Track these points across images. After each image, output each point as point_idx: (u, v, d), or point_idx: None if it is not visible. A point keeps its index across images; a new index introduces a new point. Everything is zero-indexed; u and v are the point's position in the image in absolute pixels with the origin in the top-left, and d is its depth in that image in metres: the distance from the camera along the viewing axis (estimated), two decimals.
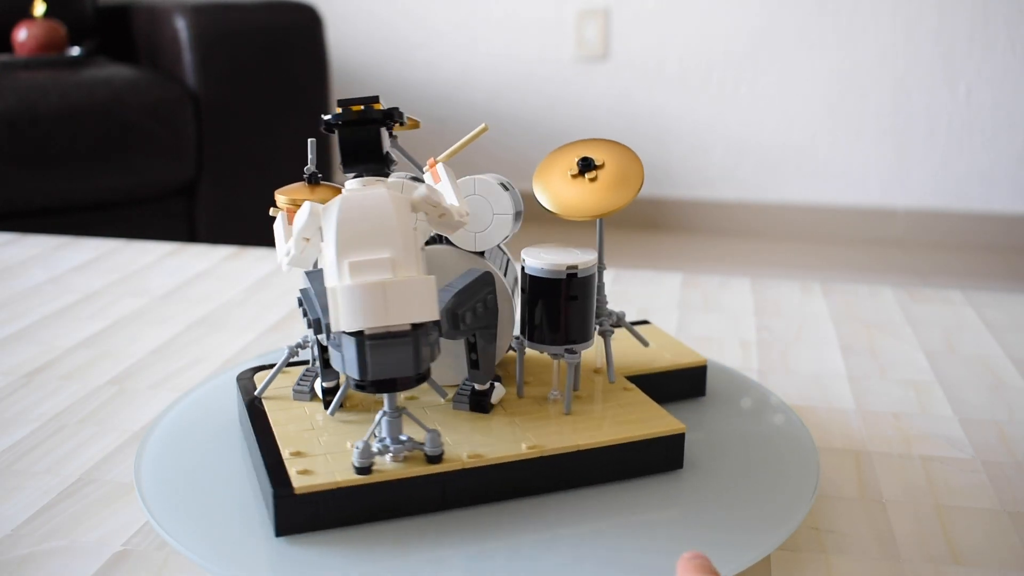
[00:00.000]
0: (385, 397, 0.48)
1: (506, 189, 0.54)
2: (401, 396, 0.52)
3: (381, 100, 0.49)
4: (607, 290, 0.61)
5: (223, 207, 1.79)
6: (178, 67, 1.75)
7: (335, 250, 0.44)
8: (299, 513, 0.47)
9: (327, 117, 0.49)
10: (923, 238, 2.37)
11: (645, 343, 0.61)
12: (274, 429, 0.52)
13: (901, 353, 0.76)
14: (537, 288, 0.53)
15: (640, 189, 0.52)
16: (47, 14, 1.89)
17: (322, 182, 0.55)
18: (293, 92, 1.83)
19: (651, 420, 0.53)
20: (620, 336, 0.63)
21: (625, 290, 0.89)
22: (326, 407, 0.54)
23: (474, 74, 2.47)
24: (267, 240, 1.99)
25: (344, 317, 0.43)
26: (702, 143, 2.42)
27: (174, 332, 0.78)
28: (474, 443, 0.51)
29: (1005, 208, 2.33)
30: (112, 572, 0.47)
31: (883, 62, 2.29)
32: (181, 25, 1.72)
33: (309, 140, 0.57)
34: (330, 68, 1.92)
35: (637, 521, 0.49)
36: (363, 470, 0.47)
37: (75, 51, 1.86)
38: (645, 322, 0.68)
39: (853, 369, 0.73)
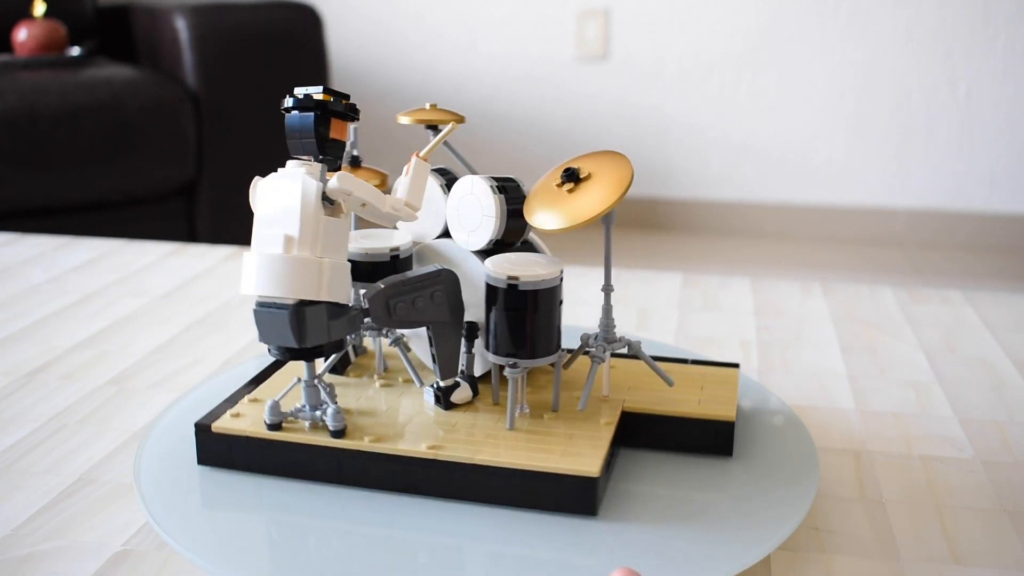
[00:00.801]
0: (304, 365, 0.52)
1: (502, 191, 0.54)
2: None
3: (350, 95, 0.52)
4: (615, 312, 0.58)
5: (223, 207, 1.79)
6: (178, 67, 1.75)
7: (254, 223, 0.49)
8: (213, 449, 0.53)
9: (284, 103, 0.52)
10: (923, 238, 2.37)
11: (668, 381, 0.57)
12: (268, 377, 0.59)
13: (901, 353, 0.76)
14: (488, 295, 0.52)
15: (613, 203, 0.49)
16: (47, 14, 1.88)
17: (363, 165, 0.60)
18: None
19: (573, 456, 0.49)
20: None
21: (625, 290, 0.89)
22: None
23: (474, 74, 2.47)
24: None
25: (242, 281, 0.48)
26: (702, 143, 2.42)
27: (174, 332, 0.78)
28: (391, 431, 0.52)
29: (1005, 208, 2.33)
30: (112, 572, 0.47)
31: (883, 62, 2.29)
32: (181, 25, 1.72)
33: (351, 126, 0.58)
34: (330, 68, 1.92)
35: (632, 518, 0.49)
36: (273, 427, 0.52)
37: (75, 51, 1.86)
38: (734, 365, 0.60)
39: (853, 369, 0.73)
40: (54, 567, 0.48)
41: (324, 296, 0.48)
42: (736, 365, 0.60)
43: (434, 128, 0.57)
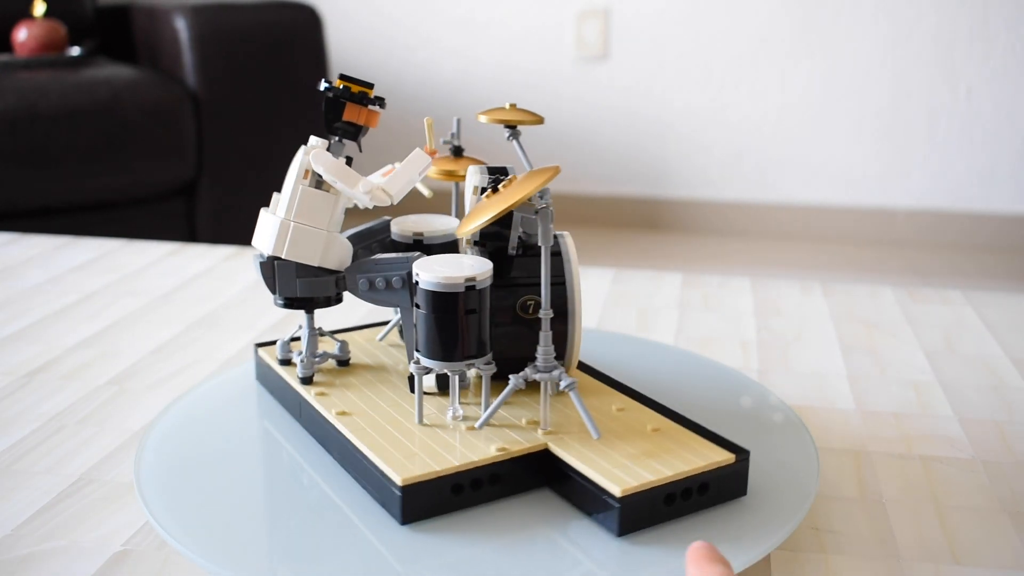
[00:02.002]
0: (303, 315, 0.58)
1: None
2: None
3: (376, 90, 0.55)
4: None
5: (223, 207, 1.79)
6: (178, 67, 1.75)
7: None
8: (260, 370, 0.63)
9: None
10: (923, 238, 2.37)
11: (594, 434, 0.50)
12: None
13: (901, 353, 0.76)
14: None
15: (510, 204, 0.47)
16: (47, 14, 1.88)
17: (464, 155, 0.62)
18: (293, 92, 1.83)
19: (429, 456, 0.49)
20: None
21: (625, 290, 0.89)
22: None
23: (474, 74, 2.47)
24: None
25: None
26: (702, 143, 2.42)
27: (174, 332, 0.78)
28: (364, 398, 0.56)
29: (1005, 208, 2.33)
30: (112, 572, 0.47)
31: (883, 62, 2.29)
32: (181, 25, 1.72)
33: (455, 118, 0.62)
34: (330, 68, 1.92)
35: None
36: (282, 361, 0.60)
37: (75, 51, 1.86)
38: (742, 455, 0.50)
39: (853, 369, 0.73)
40: (54, 567, 0.48)
41: (285, 254, 0.54)
42: (745, 456, 0.50)
43: (512, 128, 0.57)
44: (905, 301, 0.88)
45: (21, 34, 1.82)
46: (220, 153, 1.77)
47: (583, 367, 0.60)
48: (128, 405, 0.66)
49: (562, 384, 0.50)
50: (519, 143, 0.58)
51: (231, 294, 0.87)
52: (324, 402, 0.55)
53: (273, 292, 0.56)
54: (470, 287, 0.50)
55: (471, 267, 0.51)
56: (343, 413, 0.54)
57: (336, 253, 0.55)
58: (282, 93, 1.82)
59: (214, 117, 1.75)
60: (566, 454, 0.49)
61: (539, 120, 0.57)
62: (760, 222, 2.43)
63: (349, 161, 0.55)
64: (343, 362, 0.60)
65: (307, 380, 0.58)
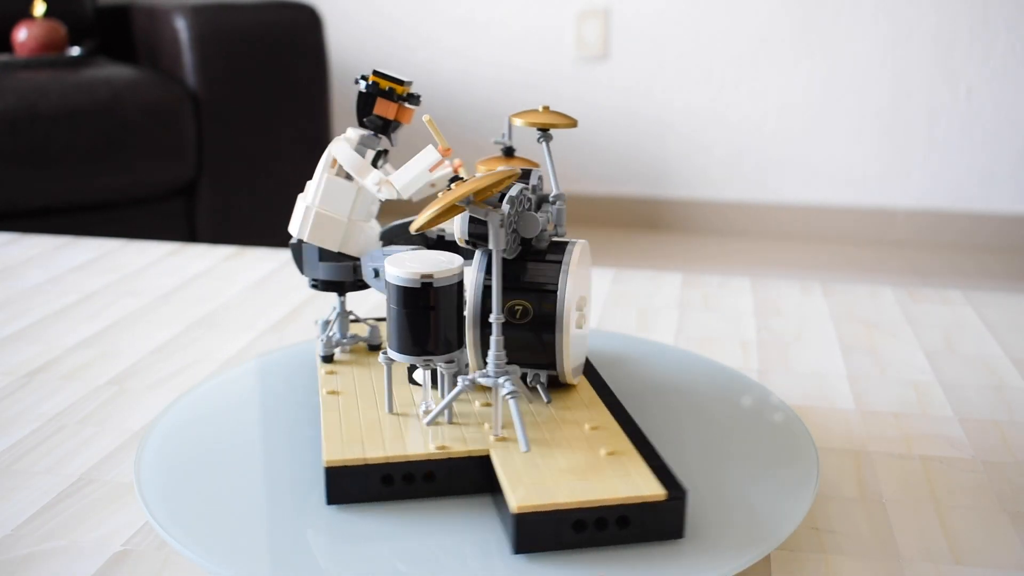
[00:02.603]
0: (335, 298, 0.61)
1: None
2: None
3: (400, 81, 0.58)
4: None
5: (223, 207, 1.79)
6: (178, 67, 1.75)
7: None
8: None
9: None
10: (923, 238, 2.37)
11: (524, 446, 0.48)
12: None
13: (901, 353, 0.76)
14: None
15: (448, 202, 0.46)
16: (47, 14, 1.88)
17: (515, 155, 0.62)
18: (293, 92, 1.83)
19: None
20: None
21: (625, 290, 0.89)
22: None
23: (474, 74, 2.47)
24: (267, 240, 1.98)
25: None
26: (702, 143, 2.42)
27: (174, 332, 0.79)
28: (363, 382, 0.57)
29: (1005, 208, 2.33)
30: (112, 572, 0.47)
31: (883, 62, 2.29)
32: (181, 25, 1.72)
33: (509, 116, 0.60)
34: (330, 68, 1.92)
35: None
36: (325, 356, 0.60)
37: (75, 51, 1.86)
38: None
39: (853, 369, 0.73)
40: (54, 567, 0.48)
41: (307, 238, 0.57)
42: (679, 495, 0.46)
43: (544, 131, 0.56)
44: (905, 301, 0.88)
45: (21, 34, 1.82)
46: (220, 153, 1.77)
47: (590, 374, 0.59)
48: (128, 405, 0.66)
49: (503, 391, 0.49)
50: (548, 147, 0.57)
51: (231, 294, 0.87)
52: (326, 380, 0.57)
53: (301, 273, 0.59)
54: (427, 284, 0.50)
55: (437, 264, 0.51)
56: (332, 392, 0.55)
57: (359, 240, 0.58)
58: (282, 93, 1.82)
59: (214, 117, 1.75)
60: (497, 462, 0.48)
61: (572, 123, 0.56)
62: (760, 222, 2.43)
63: (381, 155, 0.57)
64: (374, 347, 0.62)
65: (327, 359, 0.60)
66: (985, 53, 2.25)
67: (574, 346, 0.55)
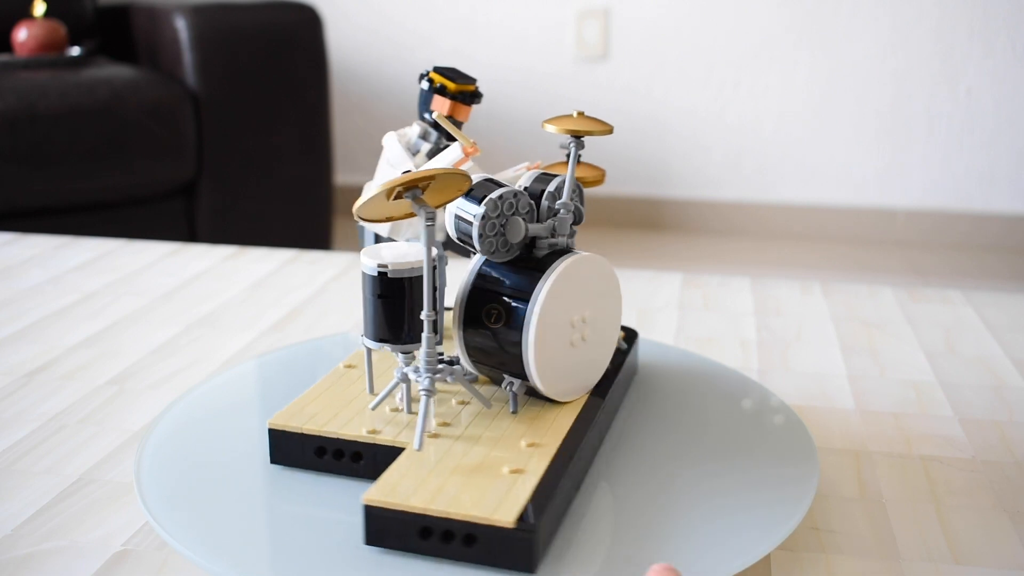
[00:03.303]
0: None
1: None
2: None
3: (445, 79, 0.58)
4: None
5: (223, 207, 1.79)
6: (178, 67, 1.75)
7: None
8: None
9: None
10: (923, 238, 2.37)
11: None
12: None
13: (901, 353, 0.76)
14: None
15: (374, 193, 0.47)
16: (47, 14, 1.88)
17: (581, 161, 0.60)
18: (293, 92, 1.83)
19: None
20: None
21: (625, 290, 0.89)
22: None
23: (474, 74, 2.47)
24: (267, 240, 1.98)
25: None
26: (702, 143, 2.42)
27: (174, 332, 0.79)
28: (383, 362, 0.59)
29: (1005, 208, 2.33)
30: (112, 572, 0.47)
31: (883, 62, 2.29)
32: (181, 25, 1.72)
33: (543, 122, 0.60)
34: (330, 68, 1.92)
35: (632, 517, 0.49)
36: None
37: (75, 51, 1.86)
38: None
39: (853, 369, 0.73)
40: (54, 567, 0.48)
41: (361, 222, 0.55)
42: (528, 529, 0.44)
43: (578, 138, 0.54)
44: (905, 301, 0.88)
45: (21, 34, 1.82)
46: (220, 153, 1.77)
47: (604, 394, 0.57)
48: (128, 405, 0.66)
49: (419, 388, 0.50)
50: (576, 154, 0.54)
51: (231, 294, 0.87)
52: (352, 356, 0.60)
53: None
54: (382, 273, 0.51)
55: (399, 256, 0.52)
56: (349, 366, 0.58)
57: (406, 230, 0.59)
58: (282, 93, 1.82)
59: (214, 117, 1.75)
60: (403, 454, 0.49)
61: (608, 130, 0.54)
62: (760, 222, 2.43)
63: (441, 148, 0.59)
64: None
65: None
66: (985, 53, 2.25)
67: (556, 361, 0.53)
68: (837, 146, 2.36)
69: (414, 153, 0.60)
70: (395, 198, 0.48)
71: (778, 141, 2.38)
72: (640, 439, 0.56)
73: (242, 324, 0.80)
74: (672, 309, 0.85)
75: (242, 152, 1.79)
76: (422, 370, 0.51)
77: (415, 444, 0.49)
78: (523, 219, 0.52)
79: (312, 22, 1.83)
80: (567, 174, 0.54)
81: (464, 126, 0.61)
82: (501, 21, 2.43)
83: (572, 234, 0.56)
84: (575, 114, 0.55)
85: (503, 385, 0.54)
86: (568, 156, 0.54)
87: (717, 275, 0.94)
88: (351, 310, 0.83)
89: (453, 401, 0.55)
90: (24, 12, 1.88)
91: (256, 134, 1.80)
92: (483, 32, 2.45)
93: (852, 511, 0.54)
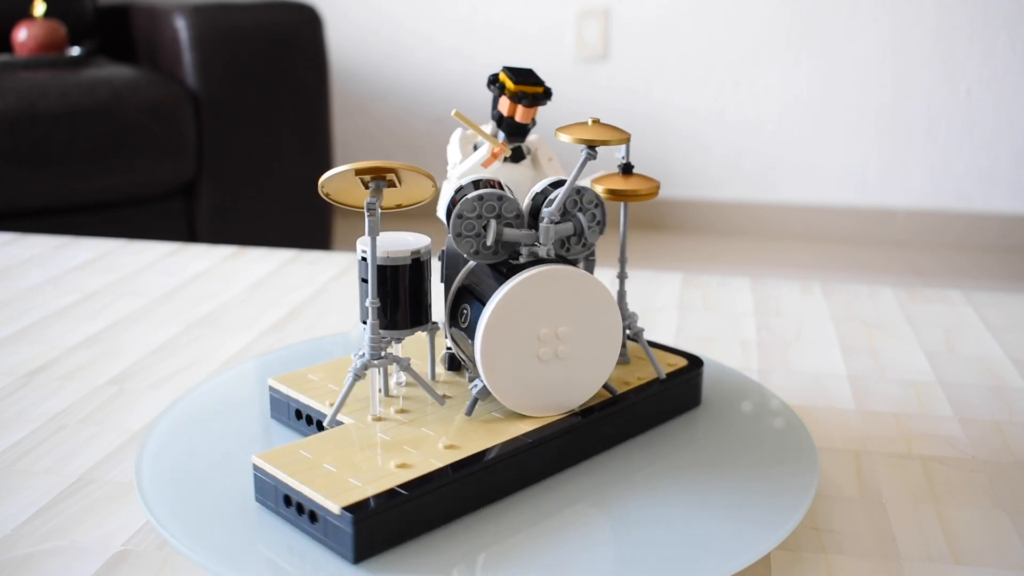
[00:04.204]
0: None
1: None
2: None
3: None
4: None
5: (223, 207, 1.79)
6: (178, 67, 1.75)
7: None
8: None
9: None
10: (923, 238, 2.37)
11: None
12: None
13: (901, 353, 0.76)
14: None
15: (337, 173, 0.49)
16: (47, 14, 1.88)
17: (634, 172, 0.58)
18: (293, 92, 1.83)
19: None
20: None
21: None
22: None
23: (474, 75, 2.47)
24: (267, 240, 1.98)
25: None
26: (702, 143, 2.42)
27: (174, 332, 0.78)
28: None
29: (1005, 208, 2.33)
30: (112, 572, 0.47)
31: (883, 62, 2.29)
32: (181, 25, 1.72)
33: (556, 130, 0.56)
34: (330, 68, 1.92)
35: (632, 517, 0.49)
36: None
37: (75, 51, 1.86)
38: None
39: (853, 369, 0.73)
40: (54, 567, 0.48)
41: (440, 216, 0.56)
42: (351, 519, 0.45)
43: (592, 148, 0.52)
44: (905, 301, 0.88)
45: (21, 34, 1.82)
46: (220, 153, 1.77)
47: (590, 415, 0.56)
48: (128, 405, 0.66)
49: (349, 373, 0.52)
50: (584, 163, 0.52)
51: (231, 294, 0.87)
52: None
53: None
54: (363, 258, 0.53)
55: (389, 244, 0.54)
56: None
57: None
58: (282, 93, 1.82)
59: (214, 117, 1.75)
60: (333, 429, 0.52)
61: (625, 138, 0.52)
62: (760, 222, 2.43)
63: (518, 149, 0.58)
64: None
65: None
66: (985, 53, 2.25)
67: (519, 372, 0.51)
68: (837, 146, 2.36)
69: (476, 149, 0.60)
70: (366, 186, 0.50)
71: (778, 141, 2.38)
72: (640, 439, 0.56)
73: (242, 324, 0.80)
74: (672, 309, 0.85)
75: (242, 152, 1.79)
76: (368, 355, 0.52)
77: (327, 421, 0.53)
78: (497, 223, 0.52)
79: (312, 22, 1.83)
80: (567, 184, 0.53)
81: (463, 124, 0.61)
82: (501, 21, 2.43)
83: (585, 247, 0.55)
84: (590, 121, 0.53)
85: (470, 386, 0.54)
86: (579, 164, 0.53)
87: (717, 275, 0.94)
88: (351, 310, 0.83)
89: (441, 391, 0.56)
90: (24, 12, 1.88)
91: (256, 134, 1.80)
92: (483, 32, 2.45)
93: (852, 511, 0.54)
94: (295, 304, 0.85)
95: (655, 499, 0.51)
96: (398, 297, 0.53)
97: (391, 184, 0.50)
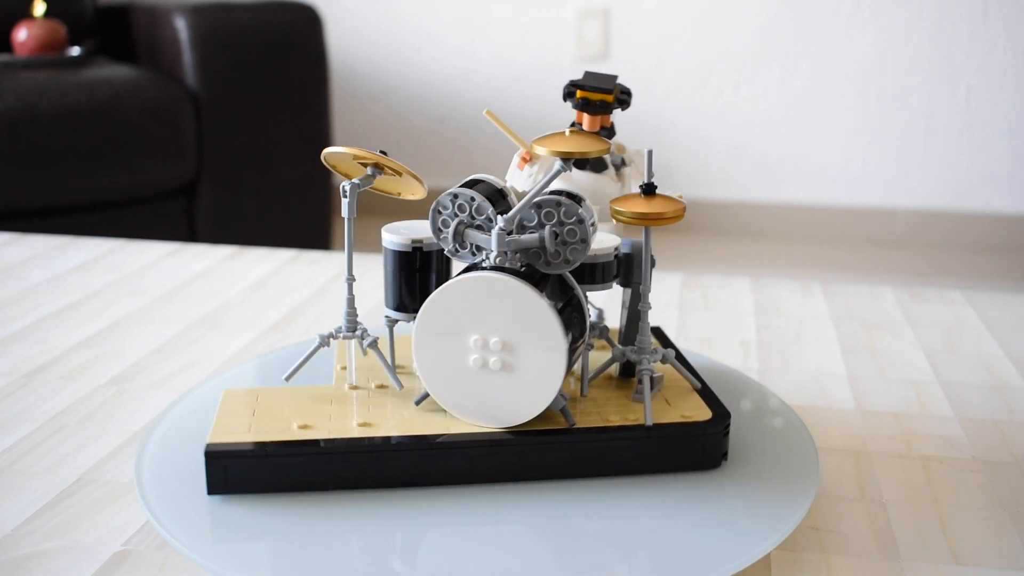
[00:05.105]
0: None
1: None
2: None
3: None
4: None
5: (223, 207, 1.79)
6: (178, 67, 1.75)
7: None
8: None
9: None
10: (923, 238, 2.37)
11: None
12: None
13: (901, 353, 0.76)
14: None
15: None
16: (47, 14, 1.88)
17: (657, 193, 0.54)
18: (293, 92, 1.83)
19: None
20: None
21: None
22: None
23: (474, 74, 2.47)
24: (267, 240, 1.98)
25: None
26: (702, 143, 2.42)
27: (174, 332, 0.79)
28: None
29: (1005, 208, 2.33)
30: (112, 572, 0.47)
31: (883, 62, 2.29)
32: (181, 25, 1.72)
33: (647, 151, 0.54)
34: (330, 68, 1.92)
35: (632, 517, 0.49)
36: None
37: (75, 51, 1.86)
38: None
39: (853, 369, 0.73)
40: (54, 567, 0.48)
41: None
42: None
43: (565, 160, 0.50)
44: (905, 301, 0.88)
45: (21, 34, 1.82)
46: (220, 153, 1.77)
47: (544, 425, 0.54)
48: (128, 405, 0.66)
49: (316, 338, 0.57)
50: (556, 172, 0.50)
51: (231, 294, 0.87)
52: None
53: None
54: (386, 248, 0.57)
55: (404, 230, 0.57)
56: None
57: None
58: (282, 93, 1.82)
59: (214, 117, 1.75)
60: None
61: (604, 148, 0.50)
62: (760, 222, 2.43)
63: (599, 159, 0.57)
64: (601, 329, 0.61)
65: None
66: (985, 53, 2.25)
67: (452, 375, 0.52)
68: (837, 146, 2.36)
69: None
70: (364, 164, 0.54)
71: (778, 141, 2.38)
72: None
73: (242, 324, 0.80)
74: (672, 309, 0.85)
75: (242, 152, 1.79)
76: (345, 328, 0.57)
77: (284, 376, 0.58)
78: (463, 224, 0.52)
79: (312, 22, 1.83)
80: (528, 195, 0.51)
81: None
82: (501, 20, 2.43)
83: (567, 263, 0.52)
84: (568, 132, 0.51)
85: None
86: (549, 175, 0.51)
87: (717, 275, 0.94)
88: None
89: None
90: (24, 12, 1.88)
91: (256, 134, 1.80)
92: (483, 32, 2.45)
93: (852, 511, 0.54)
94: (295, 304, 0.85)
95: (655, 499, 0.51)
96: (400, 281, 0.57)
97: (391, 173, 0.54)
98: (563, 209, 0.51)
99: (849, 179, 2.38)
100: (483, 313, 0.50)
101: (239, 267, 0.94)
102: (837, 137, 2.36)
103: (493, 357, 0.51)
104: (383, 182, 0.56)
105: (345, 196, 0.54)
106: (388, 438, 0.51)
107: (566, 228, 0.51)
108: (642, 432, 0.52)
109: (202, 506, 0.50)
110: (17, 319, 0.81)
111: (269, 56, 1.79)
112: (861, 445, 0.61)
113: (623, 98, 0.57)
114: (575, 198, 0.52)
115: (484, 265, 0.51)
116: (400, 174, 0.54)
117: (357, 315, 0.57)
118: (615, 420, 0.53)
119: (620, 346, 0.57)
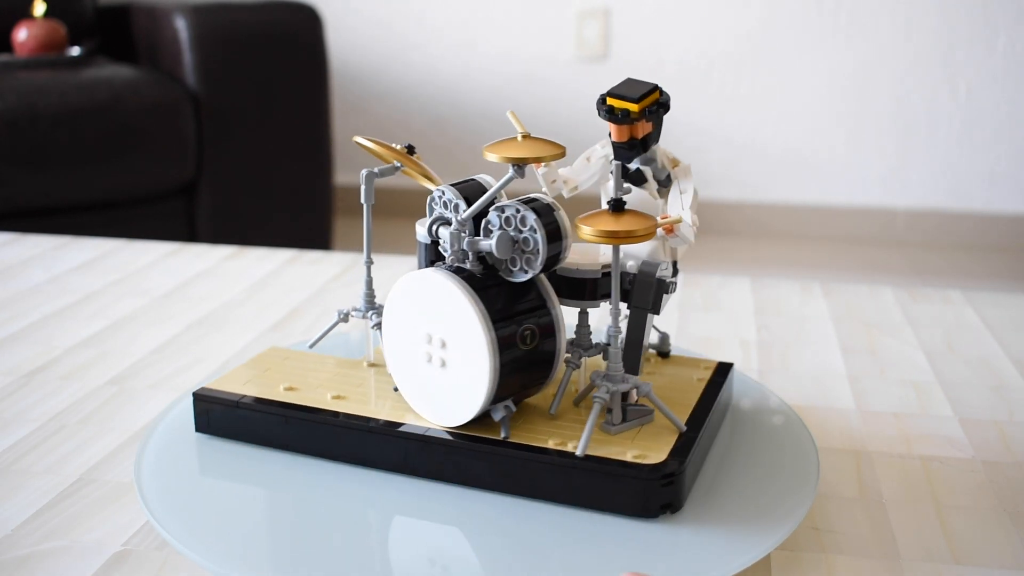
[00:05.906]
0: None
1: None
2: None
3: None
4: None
5: (223, 207, 1.79)
6: (178, 67, 1.75)
7: None
8: None
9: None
10: (923, 238, 2.37)
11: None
12: None
13: (901, 353, 0.76)
14: None
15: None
16: (47, 14, 1.88)
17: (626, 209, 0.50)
18: (293, 92, 1.83)
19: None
20: None
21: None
22: None
23: (474, 74, 2.47)
24: (267, 240, 1.98)
25: None
26: (702, 143, 2.42)
27: (174, 332, 0.79)
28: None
29: (1005, 208, 2.33)
30: (112, 572, 0.47)
31: (883, 62, 2.29)
32: (181, 25, 1.72)
33: (615, 163, 0.52)
34: (330, 68, 1.92)
35: (633, 520, 0.49)
36: None
37: (75, 51, 1.86)
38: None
39: (853, 369, 0.73)
40: (54, 567, 0.48)
41: None
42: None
43: (518, 167, 0.49)
44: (905, 301, 0.88)
45: (21, 34, 1.82)
46: (220, 153, 1.77)
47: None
48: (128, 405, 0.66)
49: (336, 313, 0.61)
50: (509, 178, 0.49)
51: (231, 294, 0.87)
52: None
53: None
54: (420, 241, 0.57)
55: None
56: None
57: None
58: (282, 93, 1.82)
59: (214, 117, 1.75)
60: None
61: (560, 153, 0.49)
62: (760, 222, 2.43)
63: (637, 171, 0.54)
64: (663, 353, 0.62)
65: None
66: (985, 53, 2.25)
67: (411, 367, 0.52)
68: (837, 146, 2.36)
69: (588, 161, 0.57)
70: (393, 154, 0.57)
71: (778, 141, 2.38)
72: None
73: (242, 324, 0.80)
74: (672, 309, 0.85)
75: (242, 152, 1.79)
76: (363, 308, 0.60)
77: (308, 345, 0.63)
78: (438, 220, 0.53)
79: (312, 22, 1.83)
80: (479, 201, 0.50)
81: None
82: (501, 21, 2.43)
83: (516, 266, 0.50)
84: (519, 137, 0.50)
85: None
86: (501, 182, 0.50)
87: (717, 275, 0.94)
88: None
89: None
90: (24, 12, 1.88)
91: (256, 134, 1.80)
92: (483, 32, 2.45)
93: (852, 511, 0.54)
94: (295, 304, 0.85)
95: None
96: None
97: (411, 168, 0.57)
98: (520, 216, 0.49)
99: (849, 179, 2.38)
100: (427, 309, 0.51)
101: (239, 267, 0.94)
102: (837, 137, 2.36)
103: (435, 353, 0.51)
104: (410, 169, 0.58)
105: (365, 183, 0.58)
106: (336, 413, 0.54)
107: (522, 236, 0.50)
108: (569, 460, 0.48)
109: (202, 506, 0.50)
110: (17, 319, 0.81)
111: (269, 56, 1.79)
112: (861, 445, 0.61)
113: (653, 109, 0.53)
114: (543, 207, 0.49)
115: (443, 264, 0.52)
116: (416, 176, 0.57)
117: (375, 295, 0.60)
118: (553, 444, 0.50)
119: (598, 371, 0.52)
